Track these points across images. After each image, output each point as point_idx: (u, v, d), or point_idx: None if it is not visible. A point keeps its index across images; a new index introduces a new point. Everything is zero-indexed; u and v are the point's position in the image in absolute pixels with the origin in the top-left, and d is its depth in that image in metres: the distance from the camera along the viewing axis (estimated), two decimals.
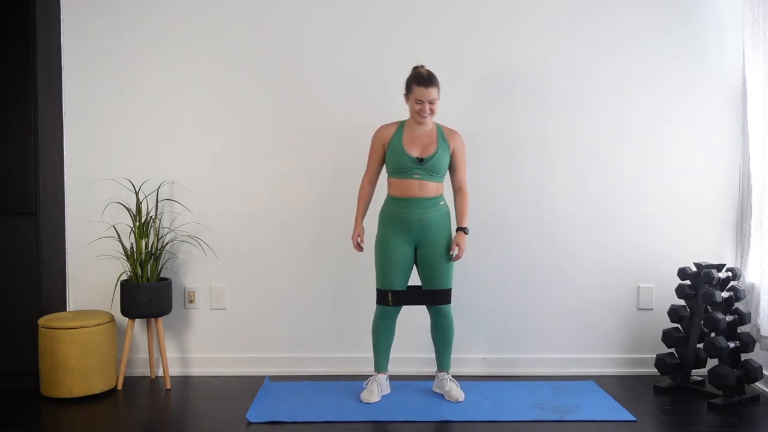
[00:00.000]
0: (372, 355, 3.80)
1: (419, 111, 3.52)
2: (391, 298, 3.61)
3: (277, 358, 4.14)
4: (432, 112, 3.55)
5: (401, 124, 3.62)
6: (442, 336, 3.71)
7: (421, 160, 3.53)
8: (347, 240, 4.11)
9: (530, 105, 4.11)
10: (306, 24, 4.09)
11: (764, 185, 3.86)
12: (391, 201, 3.60)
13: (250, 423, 3.38)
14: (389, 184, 3.62)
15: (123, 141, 4.09)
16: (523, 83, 4.10)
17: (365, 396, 3.64)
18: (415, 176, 3.53)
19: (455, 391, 3.67)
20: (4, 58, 3.77)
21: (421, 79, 3.50)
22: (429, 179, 3.55)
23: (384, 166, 3.68)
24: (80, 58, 4.07)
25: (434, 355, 3.80)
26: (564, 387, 3.87)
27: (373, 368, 3.81)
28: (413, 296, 3.66)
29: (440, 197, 3.61)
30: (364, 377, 4.05)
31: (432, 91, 3.50)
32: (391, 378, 3.89)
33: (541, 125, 4.11)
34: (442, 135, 3.60)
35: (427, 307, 3.70)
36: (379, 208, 3.70)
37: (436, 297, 3.64)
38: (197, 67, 4.08)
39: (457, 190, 3.67)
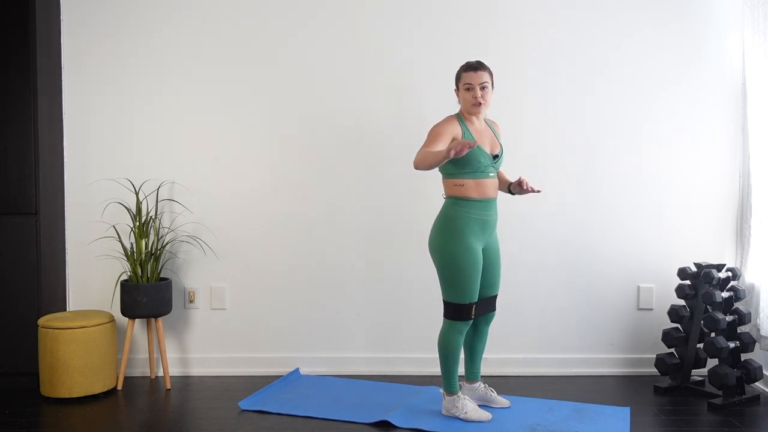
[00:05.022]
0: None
1: (472, 97, 3.29)
2: (474, 312, 3.34)
3: (276, 358, 4.14)
4: (485, 100, 3.31)
5: (460, 120, 3.34)
6: (483, 344, 3.55)
7: (495, 157, 3.35)
8: (347, 240, 4.12)
9: (529, 104, 4.11)
10: (306, 24, 4.09)
11: (764, 185, 3.86)
12: (468, 204, 3.28)
13: (241, 410, 3.52)
14: (459, 186, 3.28)
15: (123, 141, 4.10)
16: (524, 82, 4.10)
17: (480, 415, 3.36)
18: (491, 175, 3.33)
19: (500, 397, 3.59)
20: (4, 58, 3.77)
21: (469, 65, 3.33)
22: (495, 177, 3.39)
23: (445, 166, 3.29)
24: (80, 58, 4.07)
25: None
26: (586, 410, 3.53)
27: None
28: (482, 306, 3.41)
29: None
30: (364, 377, 4.05)
31: (482, 75, 3.29)
32: (388, 379, 3.89)
33: (539, 125, 4.11)
34: (492, 128, 3.46)
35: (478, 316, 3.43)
36: (436, 214, 3.40)
37: (494, 303, 3.50)
38: (197, 67, 4.08)
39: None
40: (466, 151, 2.96)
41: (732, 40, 4.10)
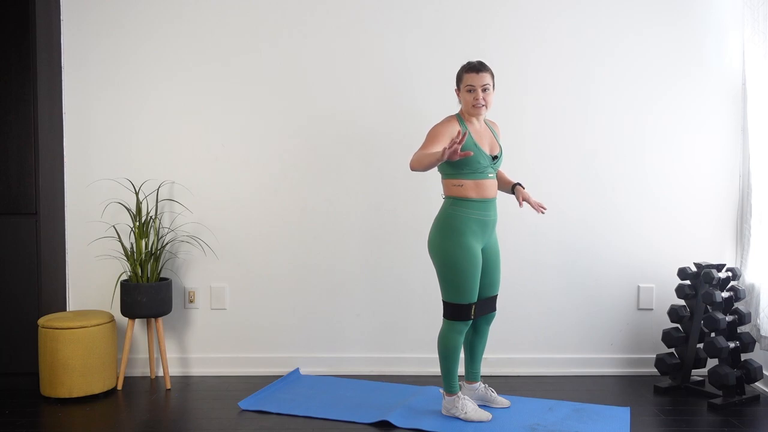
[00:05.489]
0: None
1: (474, 99, 3.27)
2: (474, 312, 3.33)
3: (276, 358, 4.14)
4: (486, 102, 3.30)
5: (460, 120, 3.33)
6: (483, 344, 3.54)
7: (494, 158, 3.34)
8: (347, 240, 4.12)
9: (530, 104, 4.11)
10: (305, 25, 4.09)
11: (764, 185, 3.86)
12: (467, 203, 3.27)
13: (241, 410, 3.53)
14: (458, 186, 3.28)
15: (123, 141, 4.10)
16: (524, 83, 4.10)
17: (480, 415, 3.36)
18: (490, 175, 3.32)
19: (501, 397, 3.58)
20: (4, 58, 3.77)
21: (470, 65, 3.31)
22: (495, 177, 3.38)
23: (443, 167, 3.31)
24: (80, 58, 4.07)
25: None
26: (586, 410, 3.53)
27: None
28: (482, 307, 3.40)
29: None
30: (364, 378, 4.05)
31: (484, 76, 3.27)
32: (388, 379, 3.89)
33: (540, 125, 4.11)
34: (492, 129, 3.45)
35: (478, 316, 3.43)
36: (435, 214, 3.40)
37: (494, 304, 3.49)
38: (197, 67, 4.08)
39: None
40: (457, 157, 2.94)
41: (732, 40, 4.10)
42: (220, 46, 4.08)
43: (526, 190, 3.46)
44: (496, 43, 4.08)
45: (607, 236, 4.15)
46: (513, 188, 3.48)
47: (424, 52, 4.08)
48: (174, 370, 4.12)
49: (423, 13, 4.08)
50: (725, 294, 3.78)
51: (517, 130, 4.06)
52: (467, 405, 3.37)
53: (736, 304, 3.87)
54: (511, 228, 4.08)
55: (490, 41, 4.08)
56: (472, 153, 3.02)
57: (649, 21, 4.10)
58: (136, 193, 3.99)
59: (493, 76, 3.35)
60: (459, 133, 2.92)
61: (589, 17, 4.10)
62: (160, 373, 4.10)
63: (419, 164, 3.14)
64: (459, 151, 2.91)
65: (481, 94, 3.29)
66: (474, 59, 3.40)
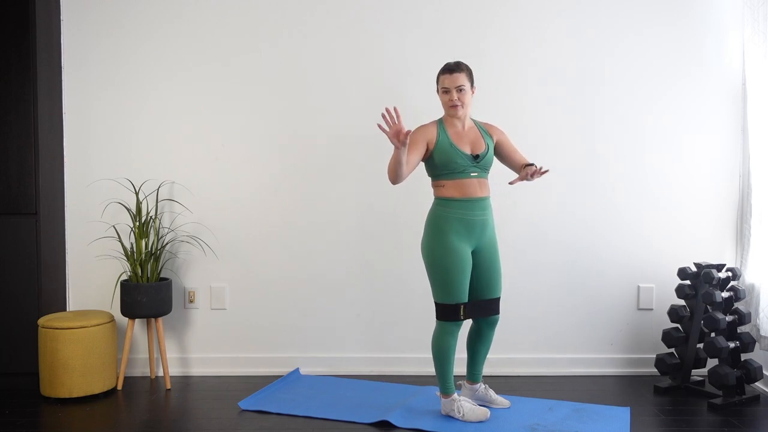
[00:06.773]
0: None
1: (449, 101, 3.31)
2: (463, 312, 3.31)
3: (276, 358, 4.14)
4: (462, 102, 3.31)
5: (440, 123, 3.37)
6: (485, 347, 3.52)
7: (476, 157, 3.33)
8: (347, 240, 4.12)
9: (530, 104, 4.11)
10: (305, 25, 4.09)
11: (764, 185, 3.86)
12: (449, 203, 3.30)
13: (241, 410, 3.53)
14: (441, 186, 3.32)
15: (123, 141, 4.10)
16: (524, 83, 4.10)
17: (478, 415, 3.34)
18: (473, 175, 3.31)
19: (500, 398, 3.58)
20: (4, 58, 3.77)
21: (445, 67, 3.35)
22: (484, 177, 3.35)
23: (427, 169, 3.39)
24: (80, 58, 4.07)
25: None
26: (586, 410, 3.52)
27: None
28: (478, 308, 3.38)
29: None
30: (364, 378, 4.05)
31: (458, 77, 3.30)
32: (388, 379, 3.89)
33: (540, 125, 4.11)
34: (483, 129, 3.44)
35: (476, 318, 3.44)
36: (425, 215, 3.42)
37: (495, 306, 3.44)
38: (197, 67, 4.09)
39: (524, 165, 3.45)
40: (402, 137, 3.00)
41: (732, 40, 4.10)
42: (220, 46, 4.09)
43: (533, 166, 3.32)
44: (496, 43, 4.08)
45: (607, 236, 4.15)
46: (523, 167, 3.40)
47: (424, 52, 4.08)
48: (174, 370, 4.12)
49: (423, 13, 4.08)
50: (725, 294, 3.78)
51: (517, 130, 4.06)
52: (464, 406, 3.37)
53: (736, 304, 3.87)
54: (512, 228, 4.08)
55: (490, 41, 4.08)
56: (408, 132, 3.03)
57: (649, 21, 4.10)
58: (136, 193, 3.99)
59: (470, 75, 3.36)
60: (390, 112, 3.02)
61: (589, 17, 4.10)
62: (160, 373, 4.10)
63: (390, 171, 3.19)
64: (399, 126, 3.00)
65: (455, 95, 3.32)
66: (452, 60, 3.41)
